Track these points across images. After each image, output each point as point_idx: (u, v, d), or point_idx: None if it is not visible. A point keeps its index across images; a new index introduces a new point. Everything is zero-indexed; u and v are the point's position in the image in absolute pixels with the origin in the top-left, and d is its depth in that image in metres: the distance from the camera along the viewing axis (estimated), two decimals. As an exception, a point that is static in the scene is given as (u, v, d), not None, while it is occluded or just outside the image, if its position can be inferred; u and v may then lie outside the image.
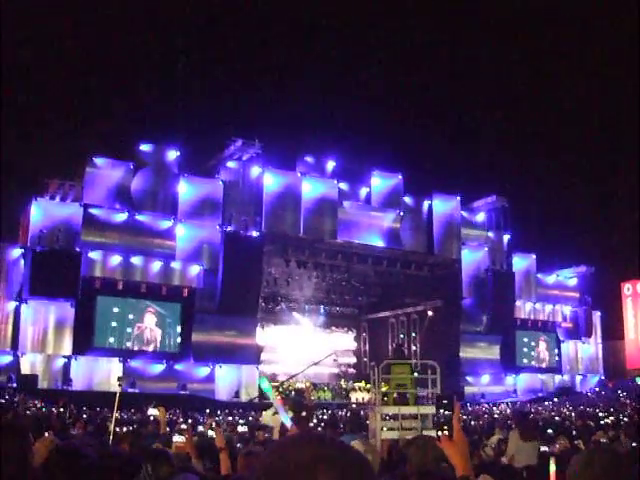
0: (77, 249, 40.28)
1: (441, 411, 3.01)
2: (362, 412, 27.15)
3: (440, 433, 2.89)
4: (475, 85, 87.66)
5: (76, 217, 41.11)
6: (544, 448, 11.26)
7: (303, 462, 1.53)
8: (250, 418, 27.93)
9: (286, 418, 5.44)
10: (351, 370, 59.75)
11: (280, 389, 43.44)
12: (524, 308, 57.78)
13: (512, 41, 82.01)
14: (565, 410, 34.69)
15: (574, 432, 18.14)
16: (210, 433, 7.92)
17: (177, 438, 6.98)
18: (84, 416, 22.30)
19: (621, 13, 70.33)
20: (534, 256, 59.34)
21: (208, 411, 32.53)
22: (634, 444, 12.21)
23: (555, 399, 49.53)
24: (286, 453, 1.58)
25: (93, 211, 41.54)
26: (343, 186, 50.13)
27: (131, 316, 41.84)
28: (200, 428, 16.68)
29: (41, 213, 40.78)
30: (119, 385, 12.88)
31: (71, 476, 2.93)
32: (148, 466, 4.13)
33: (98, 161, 43.02)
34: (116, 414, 11.49)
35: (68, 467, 2.95)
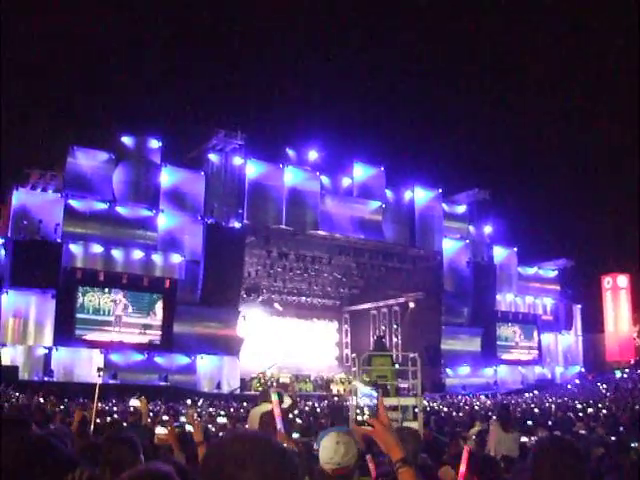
0: (58, 240, 40.05)
1: (364, 397, 2.90)
2: (344, 403, 27.20)
3: (363, 418, 2.78)
4: (458, 78, 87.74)
5: (57, 207, 40.91)
6: (524, 439, 11.32)
7: (232, 457, 1.88)
8: (232, 409, 27.89)
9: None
10: (333, 362, 59.72)
11: (262, 381, 43.47)
12: (505, 300, 57.99)
13: (497, 30, 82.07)
14: (546, 402, 34.80)
15: (553, 424, 18.24)
16: (188, 427, 7.86)
17: (160, 430, 6.93)
18: (61, 407, 22.09)
19: None
20: (515, 249, 59.55)
21: (189, 402, 32.43)
22: (612, 438, 12.31)
23: (535, 391, 49.71)
24: (220, 449, 1.94)
25: (74, 202, 41.33)
26: (325, 178, 50.08)
27: (112, 307, 41.63)
28: (183, 419, 16.60)
29: (22, 203, 40.56)
30: (99, 376, 12.86)
31: (42, 468, 2.92)
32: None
33: (79, 152, 42.80)
34: (97, 405, 11.41)
35: (39, 459, 2.95)
